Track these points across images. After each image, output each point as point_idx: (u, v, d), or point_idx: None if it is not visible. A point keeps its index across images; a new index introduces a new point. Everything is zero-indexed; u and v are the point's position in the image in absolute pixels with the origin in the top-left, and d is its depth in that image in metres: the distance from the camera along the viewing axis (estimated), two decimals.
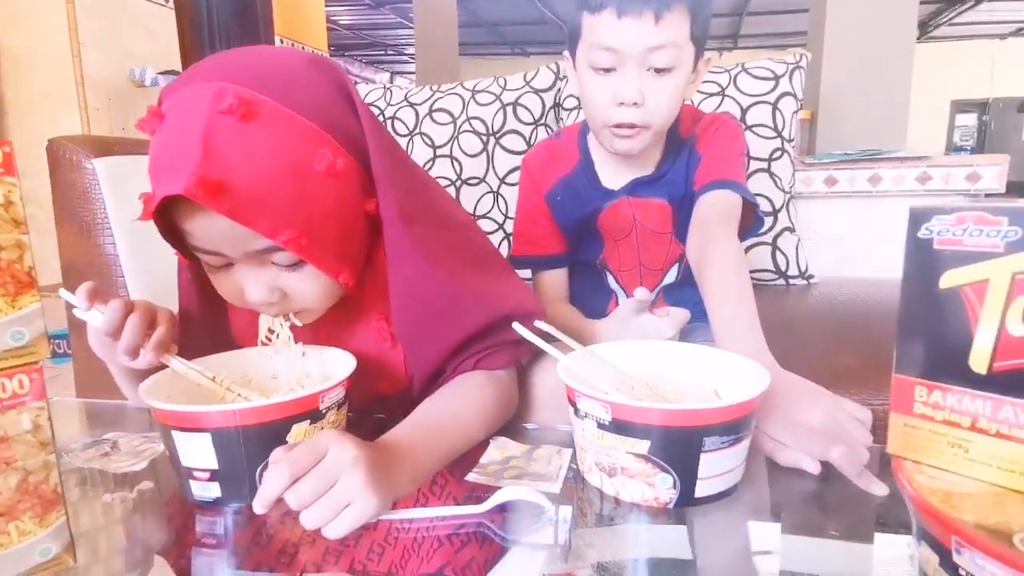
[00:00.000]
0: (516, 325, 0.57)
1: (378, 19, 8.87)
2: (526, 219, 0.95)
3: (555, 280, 0.94)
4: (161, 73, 3.23)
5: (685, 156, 0.88)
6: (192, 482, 0.49)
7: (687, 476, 0.45)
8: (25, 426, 0.39)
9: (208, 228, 0.50)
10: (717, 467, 0.46)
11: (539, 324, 0.59)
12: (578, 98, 1.28)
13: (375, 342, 0.63)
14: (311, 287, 0.55)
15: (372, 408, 0.65)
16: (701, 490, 0.46)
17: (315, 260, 0.52)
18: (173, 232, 0.53)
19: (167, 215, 0.51)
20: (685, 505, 0.46)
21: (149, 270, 1.20)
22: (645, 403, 0.48)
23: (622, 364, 0.58)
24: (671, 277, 0.94)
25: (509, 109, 1.36)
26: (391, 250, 0.57)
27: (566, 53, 0.87)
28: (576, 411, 0.49)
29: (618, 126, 0.79)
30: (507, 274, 0.68)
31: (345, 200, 0.54)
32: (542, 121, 1.37)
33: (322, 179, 0.51)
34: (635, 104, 0.76)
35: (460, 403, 0.58)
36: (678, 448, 0.45)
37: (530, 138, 1.36)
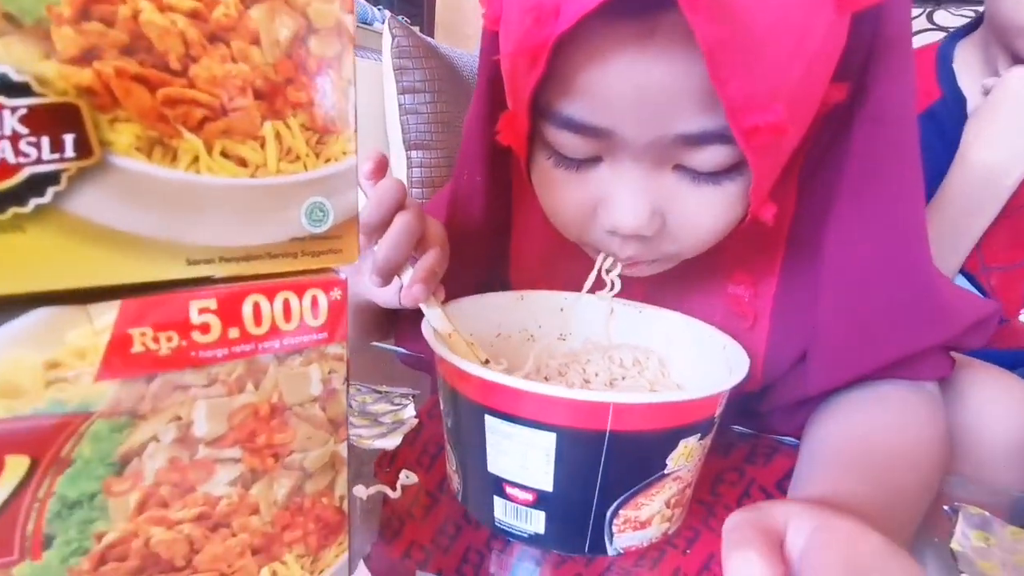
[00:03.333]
0: None
1: None
2: None
3: None
4: None
5: None
6: (499, 500, 0.30)
7: None
8: (313, 390, 0.20)
9: (628, 77, 0.27)
10: None
11: None
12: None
13: (724, 315, 0.41)
14: (712, 218, 0.32)
15: None
16: None
17: (764, 172, 0.30)
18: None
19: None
20: None
21: None
22: None
23: None
24: None
25: None
26: (860, 179, 0.34)
27: None
28: None
29: None
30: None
31: (830, 71, 0.30)
32: None
33: (832, 21, 0.28)
34: None
35: (908, 440, 0.34)
36: None
37: None
